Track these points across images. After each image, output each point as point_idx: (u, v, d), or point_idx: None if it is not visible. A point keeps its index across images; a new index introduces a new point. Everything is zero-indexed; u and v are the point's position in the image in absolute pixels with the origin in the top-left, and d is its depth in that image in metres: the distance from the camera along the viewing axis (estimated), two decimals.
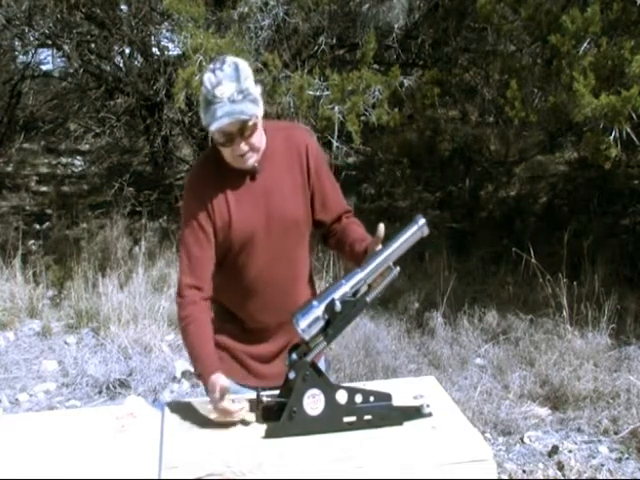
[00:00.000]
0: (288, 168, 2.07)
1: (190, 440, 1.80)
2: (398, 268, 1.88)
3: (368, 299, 1.86)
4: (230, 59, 1.92)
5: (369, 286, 1.88)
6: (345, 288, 1.85)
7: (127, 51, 7.32)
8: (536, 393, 3.93)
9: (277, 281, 2.09)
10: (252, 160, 1.98)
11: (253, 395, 1.90)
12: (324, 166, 2.15)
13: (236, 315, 2.14)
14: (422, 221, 1.90)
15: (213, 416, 1.87)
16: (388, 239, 1.92)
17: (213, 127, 1.87)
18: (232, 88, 1.86)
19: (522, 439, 3.55)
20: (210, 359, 1.94)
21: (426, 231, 1.90)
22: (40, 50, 7.83)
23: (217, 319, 2.10)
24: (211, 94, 1.86)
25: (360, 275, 1.87)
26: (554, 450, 3.41)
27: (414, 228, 1.90)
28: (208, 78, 1.88)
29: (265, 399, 1.85)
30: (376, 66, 5.92)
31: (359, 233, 2.10)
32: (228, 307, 2.15)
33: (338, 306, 1.82)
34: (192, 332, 1.99)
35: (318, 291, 2.15)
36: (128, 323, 4.76)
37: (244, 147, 1.93)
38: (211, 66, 1.91)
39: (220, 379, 1.85)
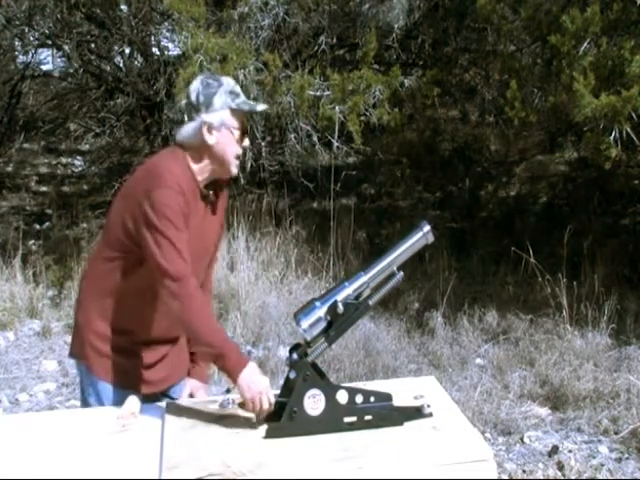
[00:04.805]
0: (220, 204, 2.15)
1: (190, 440, 1.80)
2: (402, 273, 1.89)
3: (371, 302, 1.87)
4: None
5: (372, 290, 1.89)
6: (348, 291, 1.86)
7: (127, 51, 7.30)
8: (536, 393, 3.93)
9: None
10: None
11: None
12: None
13: (132, 326, 2.08)
14: (427, 228, 1.91)
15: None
16: (392, 244, 1.93)
17: (260, 107, 2.09)
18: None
19: (522, 439, 3.55)
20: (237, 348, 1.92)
21: (431, 238, 1.91)
22: (40, 50, 7.81)
23: (109, 330, 2.06)
24: (236, 89, 2.05)
25: (363, 279, 1.88)
26: (554, 450, 3.41)
27: (419, 234, 1.91)
28: (224, 79, 2.05)
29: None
30: (376, 66, 5.92)
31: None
32: (128, 315, 2.06)
33: (340, 308, 1.82)
34: (200, 309, 1.93)
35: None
36: None
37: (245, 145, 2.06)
38: (211, 79, 2.04)
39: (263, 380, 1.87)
